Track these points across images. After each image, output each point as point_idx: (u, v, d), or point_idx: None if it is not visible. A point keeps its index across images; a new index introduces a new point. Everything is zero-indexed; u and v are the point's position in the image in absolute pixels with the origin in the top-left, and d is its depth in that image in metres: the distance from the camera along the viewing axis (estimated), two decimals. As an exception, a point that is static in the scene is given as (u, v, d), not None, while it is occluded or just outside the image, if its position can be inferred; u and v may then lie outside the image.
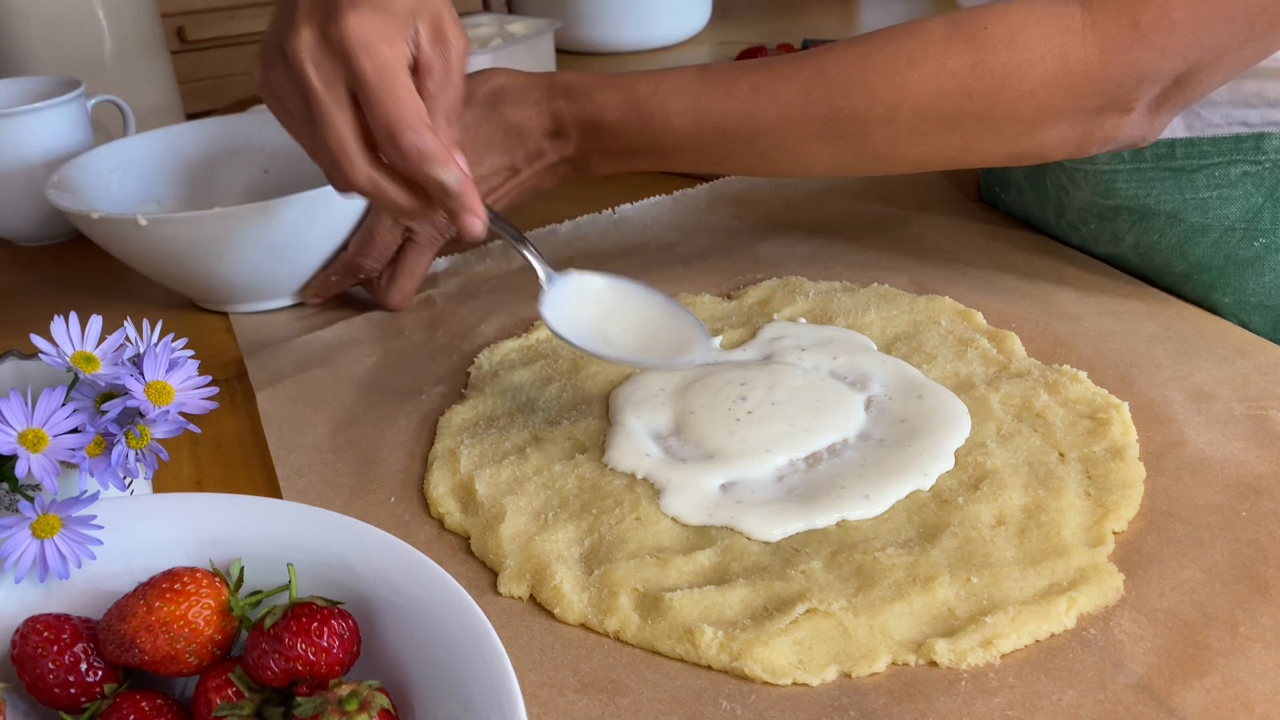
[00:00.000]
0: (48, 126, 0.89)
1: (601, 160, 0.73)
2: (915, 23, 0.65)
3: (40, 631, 0.42)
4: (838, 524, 0.53)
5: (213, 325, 0.79)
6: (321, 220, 0.74)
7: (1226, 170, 0.68)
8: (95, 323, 0.49)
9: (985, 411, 0.60)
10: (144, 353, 0.48)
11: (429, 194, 0.55)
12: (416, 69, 0.55)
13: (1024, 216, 0.85)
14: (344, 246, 0.77)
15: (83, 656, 0.42)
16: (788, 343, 0.67)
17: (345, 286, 0.79)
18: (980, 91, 0.62)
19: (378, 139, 0.54)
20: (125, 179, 0.85)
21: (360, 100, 0.53)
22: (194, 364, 0.49)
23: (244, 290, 0.78)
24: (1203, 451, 0.57)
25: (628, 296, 0.60)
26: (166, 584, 0.42)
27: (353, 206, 0.75)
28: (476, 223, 0.55)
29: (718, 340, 0.68)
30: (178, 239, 0.72)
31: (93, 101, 0.94)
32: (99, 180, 0.83)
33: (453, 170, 0.53)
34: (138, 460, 0.47)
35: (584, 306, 0.59)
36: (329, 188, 0.72)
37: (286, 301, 0.80)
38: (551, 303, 0.59)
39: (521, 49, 1.15)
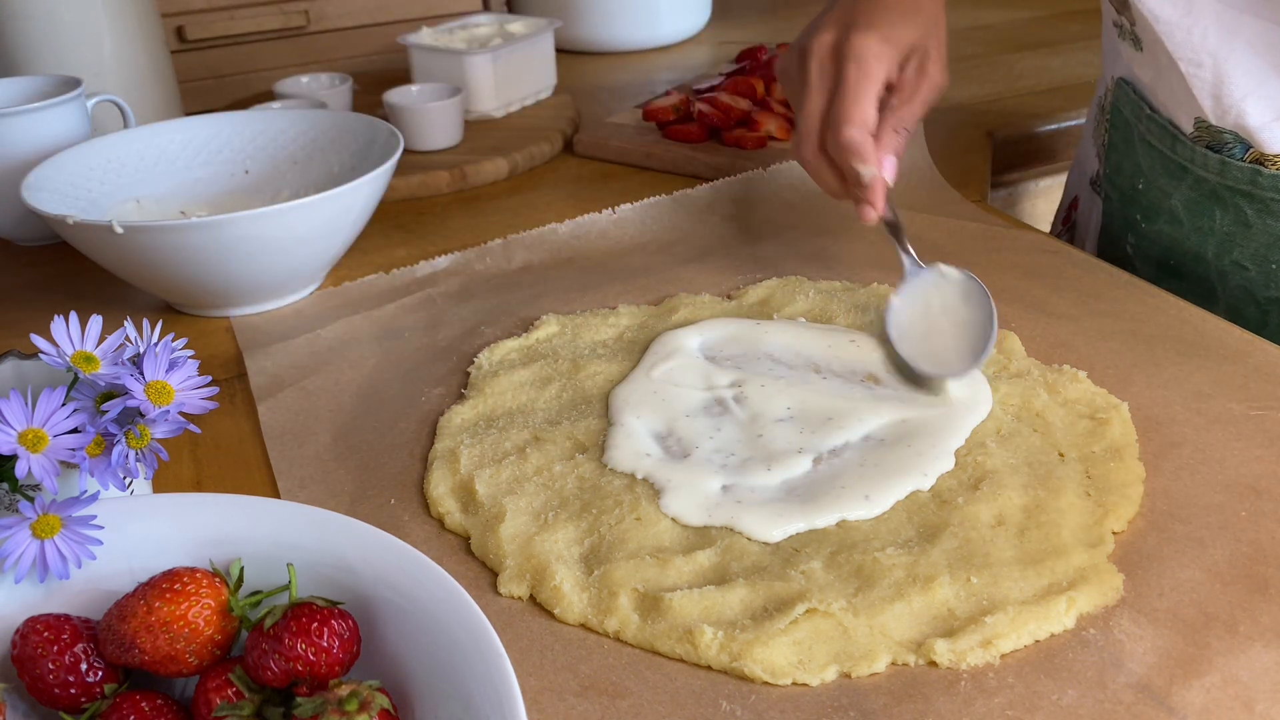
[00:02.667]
0: (48, 126, 0.89)
1: None
2: None
3: (40, 631, 0.42)
4: (838, 524, 0.53)
5: (213, 325, 0.79)
6: (299, 229, 0.73)
7: None
8: (95, 323, 0.49)
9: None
10: (144, 353, 0.48)
11: (849, 182, 0.68)
12: (892, 86, 0.69)
13: (1165, 250, 0.80)
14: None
15: (83, 656, 0.42)
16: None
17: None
18: None
19: (830, 124, 0.67)
20: (105, 178, 0.85)
21: (834, 96, 0.67)
22: (194, 364, 0.49)
23: (220, 296, 0.78)
24: (1203, 451, 0.57)
25: (968, 297, 0.65)
26: (166, 584, 0.42)
27: (330, 213, 0.74)
28: (872, 214, 0.68)
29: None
30: (154, 246, 0.71)
31: (93, 101, 0.94)
32: (79, 179, 0.83)
33: (870, 167, 0.66)
34: (138, 460, 0.47)
35: (933, 298, 0.67)
36: (309, 199, 0.72)
37: (266, 307, 0.80)
38: (906, 292, 0.67)
39: (521, 49, 1.15)
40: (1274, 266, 0.73)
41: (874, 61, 0.66)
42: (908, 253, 0.68)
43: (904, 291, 0.67)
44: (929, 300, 0.66)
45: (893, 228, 0.69)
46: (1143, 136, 0.78)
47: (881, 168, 0.66)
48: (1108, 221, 0.87)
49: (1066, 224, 0.96)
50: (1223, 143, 0.72)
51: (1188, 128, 0.74)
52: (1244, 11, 0.67)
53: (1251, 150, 0.71)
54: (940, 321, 0.65)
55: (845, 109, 0.66)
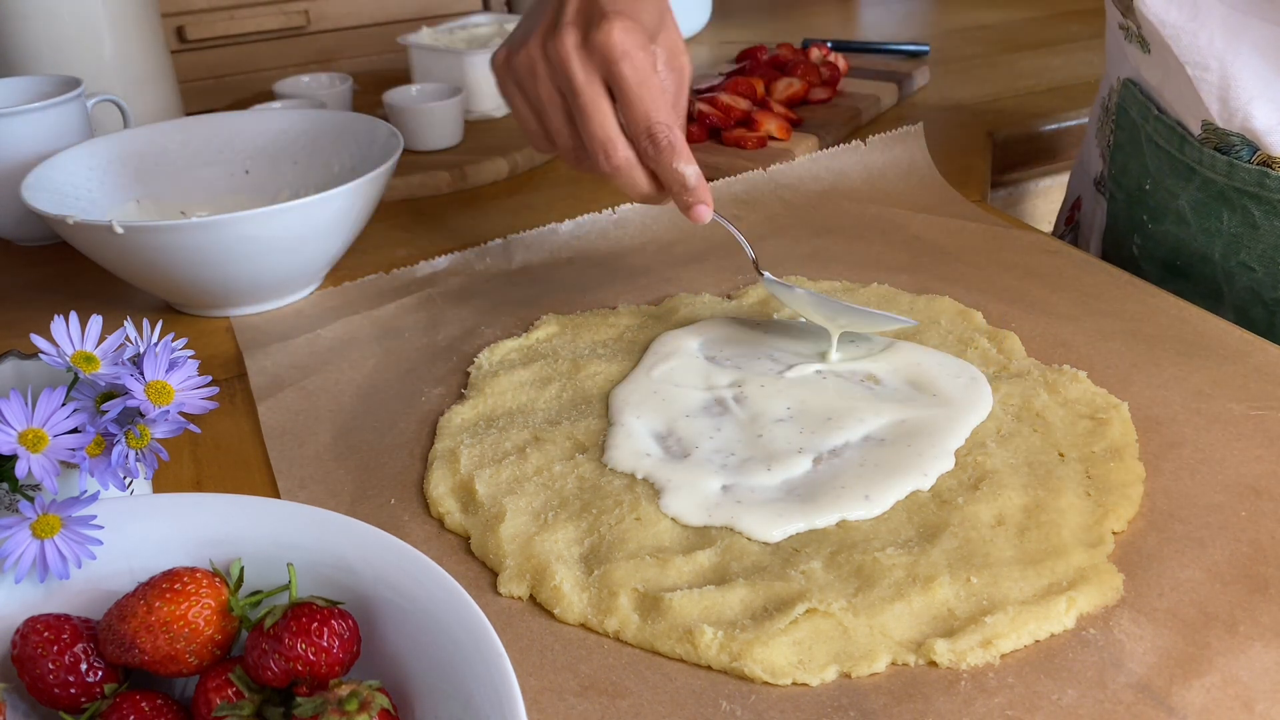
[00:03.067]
0: (48, 126, 0.89)
1: None
2: None
3: (40, 631, 0.42)
4: (838, 524, 0.53)
5: (213, 325, 0.79)
6: (299, 229, 0.73)
7: None
8: (95, 323, 0.49)
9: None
10: (144, 352, 0.48)
11: (665, 184, 0.64)
12: None
13: (1171, 251, 0.80)
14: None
15: (83, 656, 0.42)
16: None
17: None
18: None
19: (632, 131, 0.62)
20: (105, 178, 0.85)
21: (617, 97, 0.62)
22: (194, 364, 0.49)
23: (220, 296, 0.78)
24: (1202, 451, 0.57)
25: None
26: (166, 584, 0.42)
27: (330, 213, 0.75)
28: (707, 212, 0.64)
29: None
30: (154, 246, 0.72)
31: (93, 101, 0.94)
32: (79, 179, 0.83)
33: (694, 166, 0.63)
34: (138, 460, 0.47)
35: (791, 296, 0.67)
36: (309, 199, 0.72)
37: (266, 307, 0.80)
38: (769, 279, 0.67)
39: (521, 49, 1.14)
40: None
41: (641, 53, 0.61)
42: (749, 246, 0.69)
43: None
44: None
45: (725, 219, 0.68)
46: (1150, 137, 0.78)
47: (697, 165, 0.64)
48: (1113, 222, 0.86)
49: (1069, 224, 0.96)
50: (1230, 145, 0.72)
51: (1195, 129, 0.74)
52: (1249, 15, 0.67)
53: (1259, 152, 0.71)
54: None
55: (647, 109, 0.61)
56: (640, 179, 0.64)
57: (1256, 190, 0.71)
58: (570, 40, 0.62)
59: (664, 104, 0.62)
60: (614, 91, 0.62)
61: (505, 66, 0.66)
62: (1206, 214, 0.75)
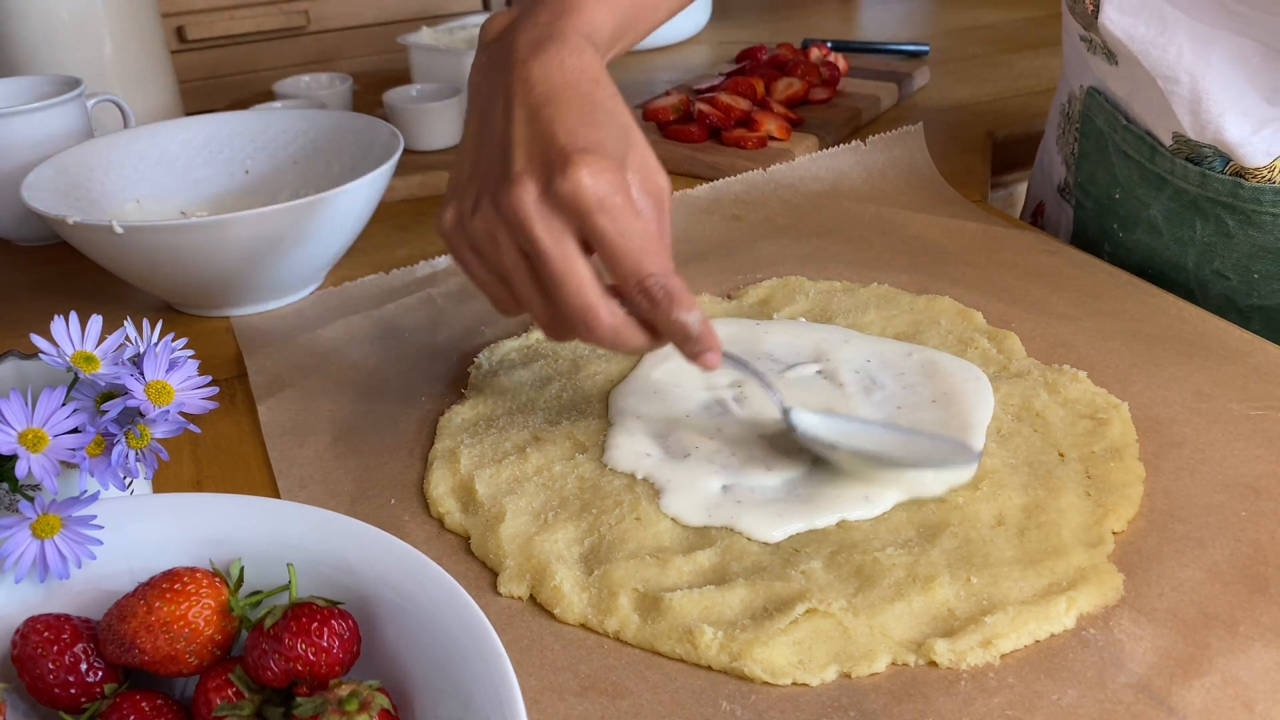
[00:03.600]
0: (48, 126, 0.89)
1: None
2: None
3: (40, 631, 0.42)
4: (838, 524, 0.53)
5: (213, 325, 0.79)
6: (299, 229, 0.73)
7: None
8: (95, 323, 0.49)
9: (985, 411, 0.60)
10: (144, 353, 0.48)
11: (665, 336, 0.54)
12: None
13: (1144, 259, 0.80)
14: None
15: (83, 656, 0.42)
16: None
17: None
18: None
19: (622, 287, 0.52)
20: (105, 178, 0.85)
21: (599, 252, 0.52)
22: (194, 364, 0.49)
23: (220, 296, 0.78)
24: (1202, 451, 0.57)
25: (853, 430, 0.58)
26: (166, 584, 0.42)
27: (330, 213, 0.74)
28: (716, 359, 0.54)
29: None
30: (154, 246, 0.71)
31: (93, 101, 0.94)
32: (79, 179, 0.83)
33: (696, 313, 0.53)
34: (138, 460, 0.47)
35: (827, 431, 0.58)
36: (309, 199, 0.72)
37: (266, 307, 0.80)
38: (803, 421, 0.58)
39: (521, 49, 1.14)
40: (1256, 276, 0.73)
41: (617, 198, 0.51)
42: (771, 387, 0.59)
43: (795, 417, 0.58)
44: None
45: (738, 363, 0.59)
46: (1118, 147, 0.78)
47: (700, 310, 0.53)
48: (1081, 229, 0.87)
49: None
50: (1202, 155, 0.72)
51: (1166, 140, 0.74)
52: (1217, 27, 0.67)
53: (1231, 163, 0.71)
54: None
55: (636, 264, 0.51)
56: (634, 338, 0.54)
57: (1230, 200, 0.72)
58: (529, 195, 0.51)
59: (653, 249, 0.52)
60: (592, 245, 0.52)
61: (456, 233, 0.55)
62: (1179, 223, 0.76)
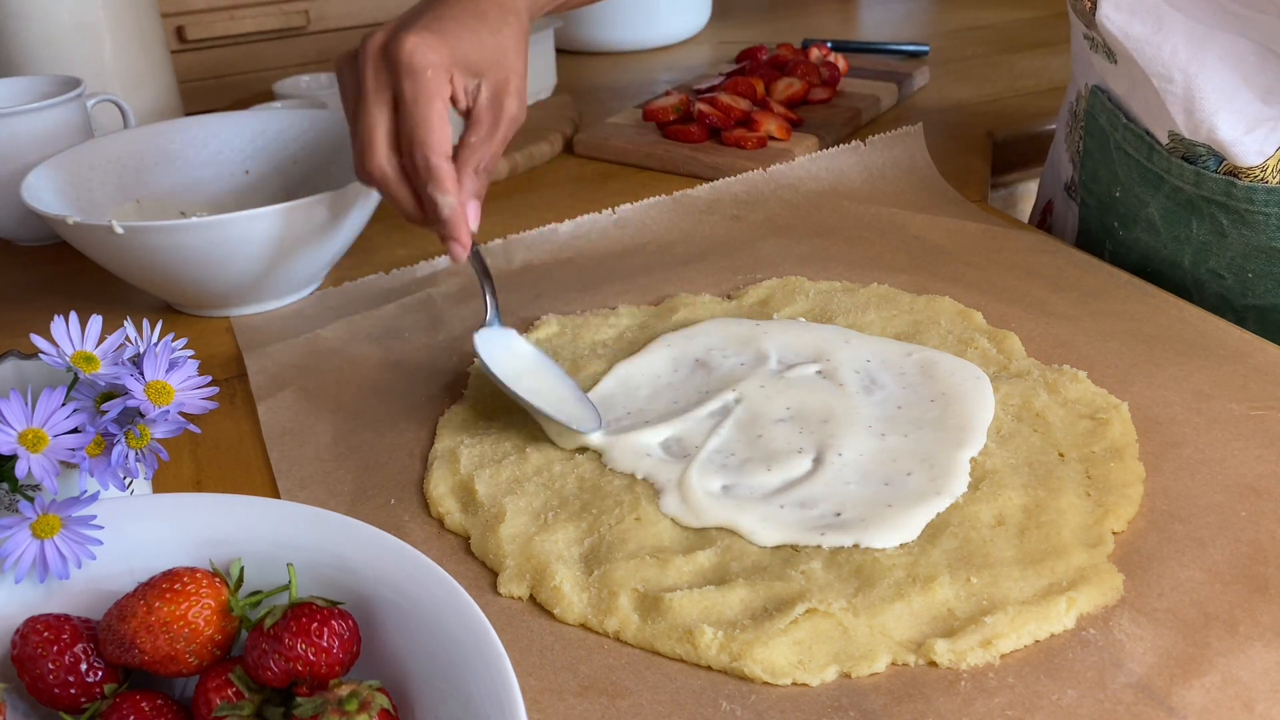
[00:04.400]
0: (48, 126, 0.89)
1: None
2: None
3: (40, 631, 0.42)
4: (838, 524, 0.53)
5: (213, 325, 0.79)
6: (299, 229, 0.73)
7: None
8: (95, 323, 0.49)
9: (985, 411, 0.60)
10: (144, 352, 0.48)
11: (425, 209, 0.62)
12: (467, 117, 0.63)
13: (1142, 258, 0.80)
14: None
15: (83, 656, 0.42)
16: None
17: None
18: None
19: (403, 145, 0.60)
20: (105, 178, 0.85)
21: (398, 109, 0.60)
22: (194, 364, 0.49)
23: (220, 296, 0.78)
24: (1203, 451, 0.57)
25: (544, 368, 0.64)
26: (166, 584, 0.42)
27: (330, 213, 0.74)
28: (460, 251, 0.62)
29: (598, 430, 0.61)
30: (154, 246, 0.71)
31: (93, 101, 0.94)
32: (79, 179, 0.83)
33: (450, 198, 0.60)
34: (138, 460, 0.47)
35: (509, 358, 0.64)
36: (309, 199, 0.72)
37: (266, 307, 0.80)
38: (485, 340, 0.64)
39: (521, 49, 1.14)
40: (1250, 275, 0.73)
41: (428, 72, 0.59)
42: (494, 302, 0.66)
43: (482, 340, 0.64)
44: (508, 356, 0.63)
45: (478, 266, 0.65)
46: (1119, 145, 0.78)
47: (464, 204, 0.61)
48: (1085, 227, 0.87)
49: (1041, 227, 0.96)
50: (1197, 154, 0.72)
51: (1162, 139, 0.74)
52: (1213, 27, 0.67)
53: (1225, 162, 0.71)
54: (531, 382, 0.62)
55: (414, 129, 0.60)
56: (400, 194, 0.62)
57: (1224, 199, 0.72)
58: (375, 43, 0.61)
59: (435, 128, 0.59)
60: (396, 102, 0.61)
61: (337, 63, 0.65)
62: (1176, 222, 0.76)
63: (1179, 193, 0.74)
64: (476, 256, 0.65)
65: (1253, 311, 0.74)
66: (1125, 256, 0.81)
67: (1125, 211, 0.80)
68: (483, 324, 0.65)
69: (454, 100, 0.62)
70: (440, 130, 0.60)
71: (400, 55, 0.59)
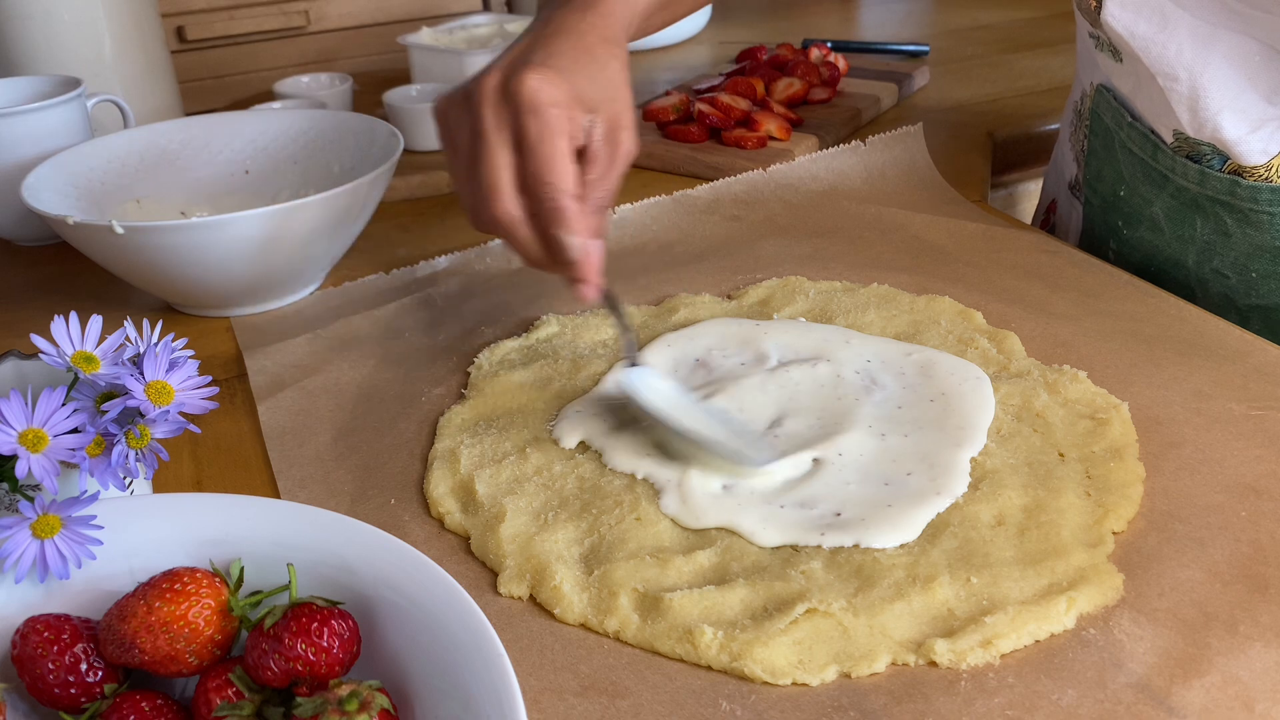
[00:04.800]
0: (48, 126, 0.89)
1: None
2: None
3: (40, 631, 0.42)
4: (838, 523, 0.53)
5: (213, 325, 0.79)
6: (299, 229, 0.73)
7: None
8: (95, 323, 0.49)
9: (985, 411, 0.60)
10: (144, 353, 0.48)
11: (554, 253, 0.58)
12: (583, 156, 0.59)
13: (1146, 257, 0.80)
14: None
15: (83, 656, 0.42)
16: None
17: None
18: None
19: (528, 186, 0.57)
20: (105, 178, 0.85)
21: (520, 149, 0.57)
22: (194, 364, 0.49)
23: (220, 296, 0.78)
24: (1203, 451, 0.57)
25: (690, 402, 0.61)
26: (166, 584, 0.42)
27: (330, 213, 0.74)
28: (591, 292, 0.59)
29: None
30: (154, 246, 0.71)
31: (93, 101, 0.94)
32: (79, 179, 0.83)
33: (578, 240, 0.57)
34: (138, 460, 0.47)
35: (657, 395, 0.61)
36: (309, 199, 0.72)
37: (266, 307, 0.80)
38: (633, 378, 0.62)
39: (521, 49, 1.14)
40: (1254, 274, 0.73)
41: (553, 109, 0.57)
42: (628, 332, 0.64)
43: (632, 378, 0.62)
44: (654, 393, 0.61)
45: (611, 305, 0.63)
46: (1124, 144, 0.78)
47: (585, 238, 0.58)
48: (1089, 226, 0.87)
49: (1045, 226, 0.96)
50: (1201, 154, 0.72)
51: (1167, 138, 0.74)
52: (1218, 26, 0.67)
53: (1229, 161, 0.71)
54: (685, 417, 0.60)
55: (540, 168, 0.57)
56: (525, 238, 0.58)
57: (1228, 199, 0.72)
58: (491, 83, 0.58)
59: (561, 167, 0.57)
60: (519, 144, 0.58)
61: (441, 105, 0.62)
62: (1180, 221, 0.76)
63: (1183, 192, 0.74)
64: (608, 296, 0.62)
65: (1257, 312, 0.74)
66: (1129, 256, 0.81)
67: (1130, 210, 0.80)
68: (622, 361, 0.62)
69: (581, 150, 0.60)
70: (567, 169, 0.57)
71: (523, 94, 0.57)
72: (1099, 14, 0.71)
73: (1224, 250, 0.74)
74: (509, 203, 0.57)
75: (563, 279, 0.59)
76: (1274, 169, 0.69)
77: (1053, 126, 1.10)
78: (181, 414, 0.48)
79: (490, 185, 0.58)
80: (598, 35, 0.61)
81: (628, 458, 0.58)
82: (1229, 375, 0.63)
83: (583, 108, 0.59)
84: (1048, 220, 0.96)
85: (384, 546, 0.44)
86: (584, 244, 0.57)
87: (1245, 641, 0.45)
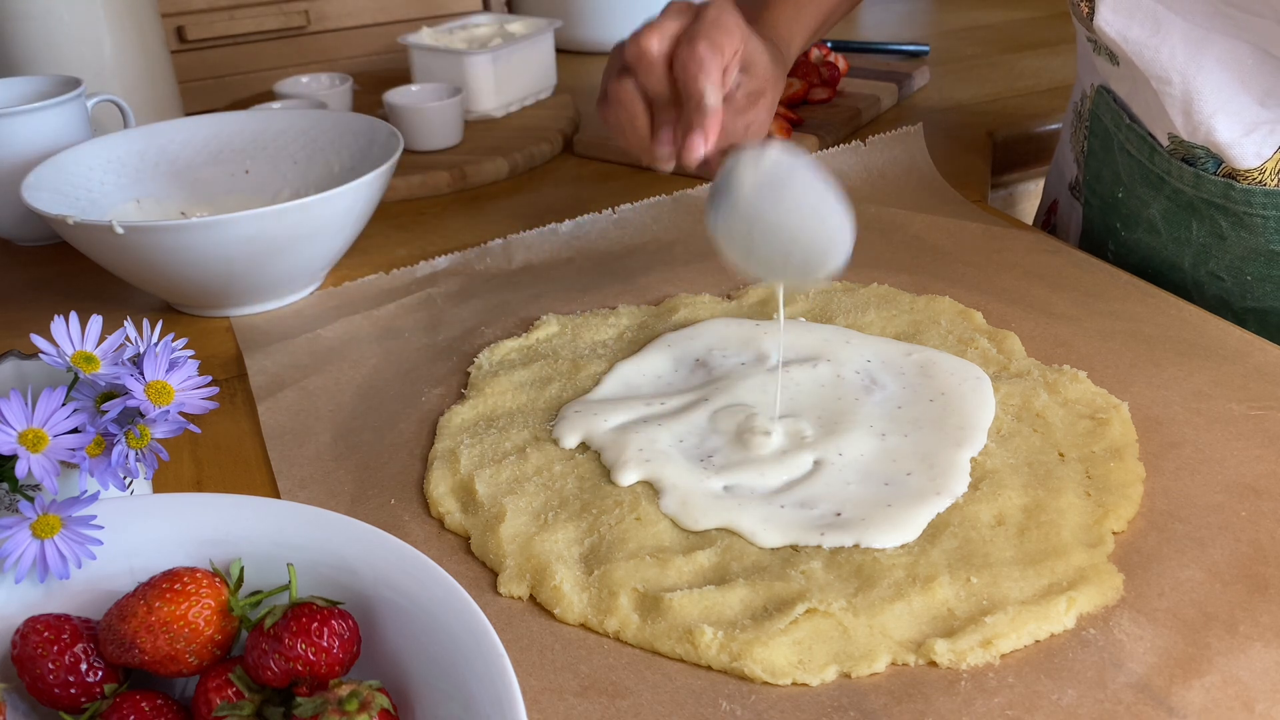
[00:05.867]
0: (48, 126, 0.89)
1: None
2: None
3: (40, 631, 0.42)
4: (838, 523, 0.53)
5: (213, 325, 0.79)
6: (299, 229, 0.73)
7: None
8: (95, 323, 0.49)
9: (985, 411, 0.60)
10: (144, 353, 0.48)
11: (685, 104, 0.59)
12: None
13: (1143, 259, 0.80)
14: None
15: (83, 656, 0.42)
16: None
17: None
18: None
19: (685, 40, 0.59)
20: (105, 178, 0.85)
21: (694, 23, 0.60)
22: (194, 364, 0.49)
23: (220, 296, 0.78)
24: (1203, 451, 0.57)
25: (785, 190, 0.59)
26: (166, 584, 0.42)
27: (330, 213, 0.74)
28: (701, 145, 0.59)
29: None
30: (154, 246, 0.71)
31: (93, 101, 0.94)
32: (79, 179, 0.83)
33: (716, 93, 0.58)
34: (138, 460, 0.47)
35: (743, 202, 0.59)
36: (309, 199, 0.72)
37: (266, 307, 0.80)
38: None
39: (521, 49, 1.15)
40: (1249, 278, 0.73)
41: (728, 19, 0.60)
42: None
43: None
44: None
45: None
46: (1122, 145, 0.79)
47: (721, 94, 0.59)
48: (1088, 227, 0.87)
49: (1046, 227, 0.96)
50: (1196, 157, 0.72)
51: (1163, 141, 0.74)
52: (1211, 30, 0.67)
53: (1224, 164, 0.71)
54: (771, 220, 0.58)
55: (709, 30, 0.59)
56: (656, 76, 0.60)
57: (1222, 202, 0.72)
58: (676, 4, 0.62)
59: (728, 40, 0.59)
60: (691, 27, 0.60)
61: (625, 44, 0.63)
62: (1176, 224, 0.76)
63: (1179, 194, 0.75)
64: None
65: (1252, 314, 0.74)
66: (1127, 257, 0.82)
67: (1128, 212, 0.80)
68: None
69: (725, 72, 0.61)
70: (731, 44, 0.59)
71: (708, 9, 0.60)
72: (1092, 20, 0.71)
73: (1219, 253, 0.74)
74: (659, 40, 0.59)
75: (654, 149, 0.61)
76: (1268, 172, 0.69)
77: (1053, 127, 1.10)
78: (181, 414, 0.48)
79: (653, 24, 0.60)
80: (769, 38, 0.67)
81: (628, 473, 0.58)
82: (1229, 375, 0.63)
83: (742, 58, 0.62)
84: (1049, 220, 0.96)
85: (384, 546, 0.44)
86: (718, 98, 0.58)
87: (1245, 641, 0.45)
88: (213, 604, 0.42)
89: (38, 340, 0.48)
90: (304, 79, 1.15)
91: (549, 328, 0.72)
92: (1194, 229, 0.75)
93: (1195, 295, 0.76)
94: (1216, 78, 0.68)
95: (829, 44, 1.28)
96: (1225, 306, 0.75)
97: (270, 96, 1.13)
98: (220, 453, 0.65)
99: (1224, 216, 0.72)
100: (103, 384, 0.48)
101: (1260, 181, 0.70)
